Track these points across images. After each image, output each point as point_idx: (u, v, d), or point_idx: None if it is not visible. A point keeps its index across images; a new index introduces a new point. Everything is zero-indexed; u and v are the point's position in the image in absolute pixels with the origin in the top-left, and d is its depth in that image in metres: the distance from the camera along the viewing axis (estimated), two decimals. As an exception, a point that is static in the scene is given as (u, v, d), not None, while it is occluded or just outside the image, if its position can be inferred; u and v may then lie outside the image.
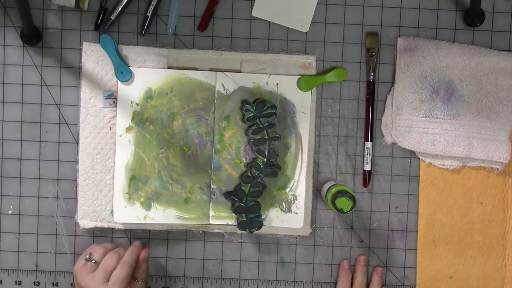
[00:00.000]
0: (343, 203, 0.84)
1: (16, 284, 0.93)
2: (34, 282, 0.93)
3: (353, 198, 0.84)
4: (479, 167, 0.93)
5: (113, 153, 0.90)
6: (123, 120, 0.90)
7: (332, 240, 0.94)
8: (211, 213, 0.91)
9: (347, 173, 0.93)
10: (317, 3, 0.91)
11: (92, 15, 0.91)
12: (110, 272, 0.84)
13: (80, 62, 0.91)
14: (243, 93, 0.90)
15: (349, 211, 0.84)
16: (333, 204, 0.84)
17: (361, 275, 0.92)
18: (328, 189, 0.88)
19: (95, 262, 0.85)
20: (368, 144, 0.91)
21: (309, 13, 0.91)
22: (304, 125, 0.91)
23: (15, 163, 0.92)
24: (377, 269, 0.92)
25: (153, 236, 0.93)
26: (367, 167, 0.92)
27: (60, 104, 0.92)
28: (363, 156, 0.92)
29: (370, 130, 0.91)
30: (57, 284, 0.93)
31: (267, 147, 0.89)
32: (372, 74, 0.91)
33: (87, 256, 0.86)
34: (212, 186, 0.91)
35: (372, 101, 0.91)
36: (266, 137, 0.89)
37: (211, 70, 0.91)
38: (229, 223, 0.91)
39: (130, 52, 0.90)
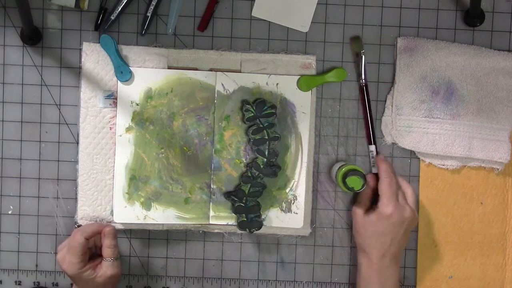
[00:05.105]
0: (354, 181, 0.84)
1: (16, 284, 0.93)
2: (34, 282, 0.93)
3: (364, 177, 0.84)
4: (479, 167, 0.93)
5: (113, 153, 0.90)
6: (123, 120, 0.90)
7: (332, 240, 0.94)
8: (211, 213, 0.91)
9: (347, 173, 0.93)
10: (317, 3, 0.91)
11: (92, 15, 0.91)
12: None
13: (80, 62, 0.91)
14: (243, 93, 0.90)
15: (360, 189, 0.84)
16: (344, 183, 0.84)
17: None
18: (338, 168, 0.88)
19: None
20: (372, 147, 0.91)
21: (309, 13, 0.91)
22: (304, 125, 0.91)
23: (15, 163, 0.92)
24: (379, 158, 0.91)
25: (153, 236, 0.93)
26: (375, 170, 0.91)
27: (60, 104, 0.92)
28: (363, 156, 0.92)
29: (372, 133, 0.91)
30: (57, 284, 0.93)
31: (267, 147, 0.89)
32: (363, 79, 0.91)
33: (76, 226, 0.90)
34: (212, 186, 0.91)
35: (369, 104, 0.91)
36: (266, 137, 0.89)
37: (211, 70, 0.91)
38: (229, 223, 0.91)
39: (130, 52, 0.90)
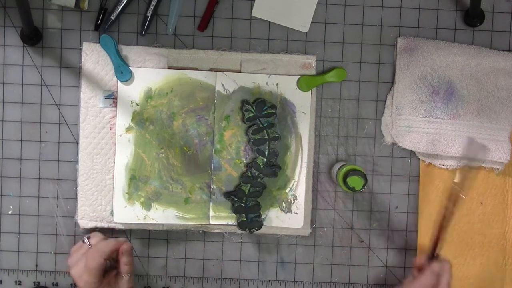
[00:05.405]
0: (355, 181, 0.84)
1: (16, 284, 0.93)
2: (34, 282, 0.93)
3: (364, 177, 0.84)
4: (479, 167, 0.93)
5: (113, 153, 0.90)
6: (123, 120, 0.90)
7: (332, 240, 0.94)
8: (211, 213, 0.91)
9: (347, 173, 0.93)
10: (317, 3, 0.91)
11: (92, 15, 0.91)
12: None
13: (80, 62, 0.91)
14: (243, 93, 0.90)
15: (361, 189, 0.84)
16: (345, 183, 0.84)
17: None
18: (339, 168, 0.87)
19: (90, 246, 0.86)
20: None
21: (309, 13, 0.91)
22: (304, 125, 0.91)
23: (15, 163, 0.92)
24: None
25: (153, 236, 0.93)
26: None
27: (60, 104, 0.92)
28: (363, 156, 0.92)
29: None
30: (57, 284, 0.94)
31: (267, 147, 0.89)
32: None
33: (85, 239, 0.87)
34: (212, 186, 0.91)
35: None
36: (266, 137, 0.89)
37: (211, 70, 0.91)
38: (229, 223, 0.91)
39: (130, 52, 0.90)
